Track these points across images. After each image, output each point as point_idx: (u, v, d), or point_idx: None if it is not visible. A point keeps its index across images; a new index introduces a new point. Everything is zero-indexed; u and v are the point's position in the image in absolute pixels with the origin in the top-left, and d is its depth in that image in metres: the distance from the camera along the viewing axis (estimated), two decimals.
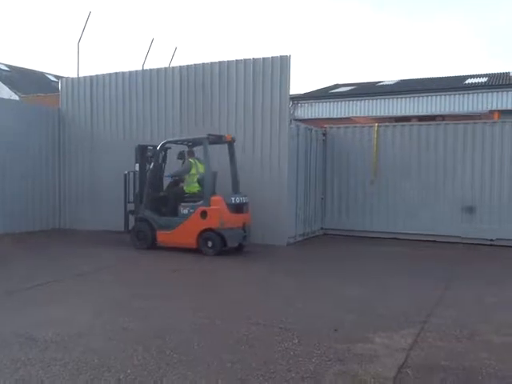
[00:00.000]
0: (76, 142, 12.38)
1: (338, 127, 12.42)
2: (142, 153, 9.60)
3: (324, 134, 12.07)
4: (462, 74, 27.10)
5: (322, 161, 11.93)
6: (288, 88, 9.88)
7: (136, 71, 11.77)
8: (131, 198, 9.73)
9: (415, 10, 77.29)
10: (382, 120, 16.83)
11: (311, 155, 11.29)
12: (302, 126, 11.27)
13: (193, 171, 9.20)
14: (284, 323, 4.77)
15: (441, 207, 10.86)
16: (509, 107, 20.12)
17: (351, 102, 23.19)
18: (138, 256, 8.70)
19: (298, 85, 58.18)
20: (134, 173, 9.64)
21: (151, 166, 9.36)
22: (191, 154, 9.46)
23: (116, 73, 11.90)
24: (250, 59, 10.25)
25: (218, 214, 8.55)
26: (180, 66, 11.13)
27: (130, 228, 9.65)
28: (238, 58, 10.40)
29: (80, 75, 15.07)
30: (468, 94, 21.36)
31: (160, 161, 9.54)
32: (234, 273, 7.48)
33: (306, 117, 22.70)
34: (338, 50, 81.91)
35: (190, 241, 8.73)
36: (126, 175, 9.81)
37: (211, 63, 10.68)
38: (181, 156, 9.43)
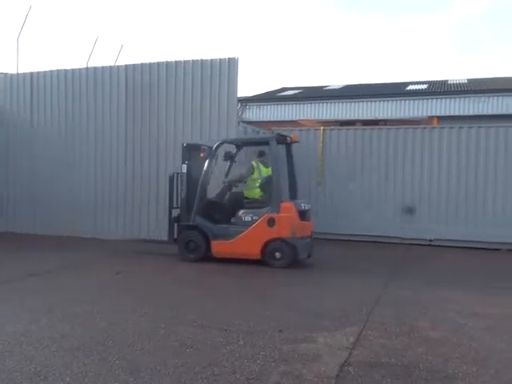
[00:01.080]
0: (14, 141, 11.85)
1: (284, 130, 12.55)
2: (191, 153, 8.59)
3: None
4: (403, 81, 28.11)
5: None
6: (236, 90, 9.91)
7: (80, 69, 11.42)
8: (178, 202, 8.65)
9: (362, 17, 79.55)
10: (327, 123, 17.16)
11: None
12: (250, 127, 11.33)
13: (255, 175, 8.39)
14: (229, 325, 4.76)
15: (383, 209, 11.20)
16: (447, 113, 21.06)
17: (298, 105, 23.53)
18: (80, 259, 8.44)
19: (247, 87, 58.56)
20: (181, 175, 8.54)
21: (205, 168, 8.33)
22: (260, 155, 8.66)
23: (58, 70, 11.50)
24: (197, 60, 10.19)
25: (289, 221, 7.73)
26: (126, 65, 10.91)
27: (175, 237, 8.60)
28: (186, 59, 10.33)
29: (20, 71, 14.46)
30: (409, 99, 22.17)
31: (214, 163, 8.57)
32: (171, 274, 7.38)
33: (253, 119, 22.81)
34: (286, 53, 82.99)
35: (254, 251, 7.85)
36: (171, 177, 8.76)
37: (158, 63, 10.54)
38: (227, 157, 8.53)
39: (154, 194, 10.54)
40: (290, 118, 22.51)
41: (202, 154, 8.51)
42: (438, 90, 23.33)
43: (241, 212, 8.11)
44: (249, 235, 7.87)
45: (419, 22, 78.48)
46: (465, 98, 21.46)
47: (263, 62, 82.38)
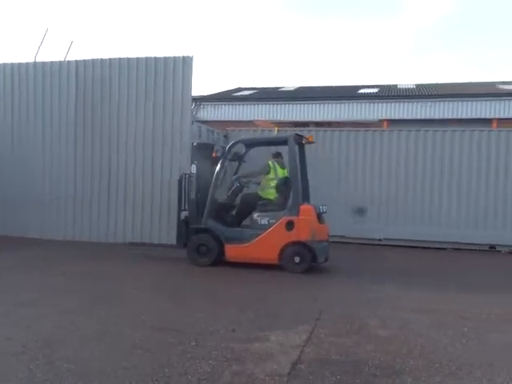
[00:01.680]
0: None
1: (240, 130, 12.57)
2: (201, 152, 8.20)
3: (226, 137, 12.15)
4: (355, 84, 28.76)
5: None
6: (190, 88, 9.82)
7: (27, 63, 10.98)
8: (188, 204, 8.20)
9: (317, 20, 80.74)
10: (282, 124, 17.31)
11: None
12: (205, 127, 11.26)
13: (271, 175, 8.01)
14: (181, 326, 4.72)
15: (335, 209, 11.38)
16: (397, 117, 21.69)
17: (253, 106, 23.61)
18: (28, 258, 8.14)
19: (202, 86, 58.20)
20: (190, 175, 8.18)
21: (217, 169, 7.97)
22: (276, 155, 8.30)
23: (4, 64, 11.02)
24: (151, 57, 10.03)
25: (309, 225, 7.50)
26: (76, 61, 10.58)
27: (186, 241, 8.14)
28: (139, 56, 10.14)
29: None
30: (361, 103, 22.69)
31: (228, 163, 8.25)
32: (125, 277, 7.23)
33: (208, 118, 22.70)
34: (242, 53, 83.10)
35: (271, 256, 7.56)
36: (180, 178, 8.36)
37: (110, 59, 10.29)
38: (236, 157, 8.22)
39: (106, 192, 10.28)
40: (245, 118, 22.55)
41: (214, 154, 8.11)
42: (389, 94, 24.02)
43: (256, 214, 7.84)
44: (265, 239, 7.58)
45: (372, 27, 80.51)
46: (413, 102, 22.19)
47: (219, 61, 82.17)
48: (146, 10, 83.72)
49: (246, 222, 8.12)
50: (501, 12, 74.72)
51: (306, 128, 13.42)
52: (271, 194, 7.99)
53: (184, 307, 5.47)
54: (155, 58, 9.99)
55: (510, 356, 4.18)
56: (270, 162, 8.10)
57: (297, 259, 7.53)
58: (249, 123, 19.88)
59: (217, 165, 8.04)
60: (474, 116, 21.12)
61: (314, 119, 21.17)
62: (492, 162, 10.82)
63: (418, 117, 21.52)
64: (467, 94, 22.31)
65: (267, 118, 22.27)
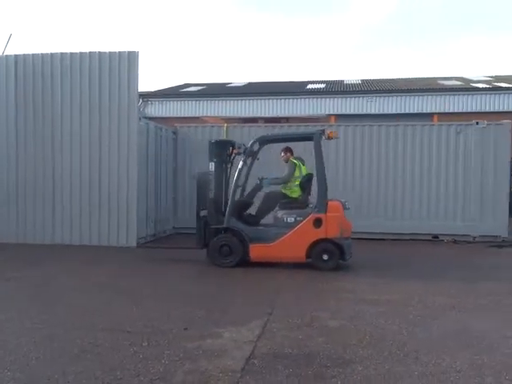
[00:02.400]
0: None
1: (189, 126, 12.49)
2: (220, 150, 7.97)
3: (174, 133, 12.03)
4: (303, 80, 29.11)
5: (172, 160, 11.88)
6: (136, 84, 9.64)
7: None
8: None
9: (266, 16, 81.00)
10: (230, 120, 17.30)
11: (162, 154, 11.17)
12: (152, 123, 11.09)
13: (297, 173, 7.86)
14: (133, 326, 4.64)
15: None
16: (343, 112, 22.16)
17: (201, 102, 23.45)
18: None
19: (149, 82, 57.29)
20: (209, 174, 7.89)
21: (240, 167, 7.78)
22: (292, 152, 8.16)
23: None
24: (95, 52, 9.76)
25: (338, 221, 7.43)
26: (15, 55, 10.14)
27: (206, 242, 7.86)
28: (83, 51, 9.84)
29: None
30: (309, 98, 23.01)
31: (251, 160, 7.99)
32: (75, 279, 7.03)
33: (156, 115, 22.38)
34: (190, 49, 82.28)
35: (299, 254, 7.44)
36: (198, 177, 8.10)
37: (52, 54, 9.94)
38: (249, 153, 7.81)
39: (51, 194, 9.92)
40: (193, 115, 22.39)
41: (236, 150, 7.96)
42: (335, 89, 24.48)
43: (281, 213, 7.70)
44: (292, 237, 7.44)
45: (319, 24, 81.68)
46: (359, 97, 22.74)
47: (166, 56, 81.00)
48: (91, 4, 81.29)
49: (267, 220, 7.97)
50: (442, 11, 77.73)
51: (256, 124, 13.46)
52: (296, 191, 7.87)
53: (135, 307, 5.37)
54: (99, 53, 9.73)
55: (454, 341, 4.37)
56: (294, 161, 7.95)
57: (325, 257, 7.45)
58: (197, 119, 19.77)
59: (229, 162, 7.99)
60: (416, 111, 21.91)
61: (262, 115, 21.30)
62: (433, 155, 11.26)
63: (364, 112, 22.08)
64: (410, 89, 23.10)
65: (216, 114, 22.20)
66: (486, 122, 11.25)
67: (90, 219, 9.73)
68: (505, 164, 11.18)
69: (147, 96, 23.55)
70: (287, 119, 19.39)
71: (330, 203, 7.53)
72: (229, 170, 8.18)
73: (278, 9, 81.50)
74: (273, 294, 6.00)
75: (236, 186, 7.74)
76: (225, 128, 11.96)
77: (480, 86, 23.79)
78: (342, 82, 27.43)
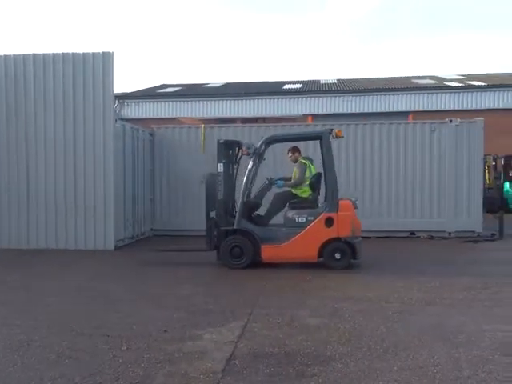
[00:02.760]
0: None
1: (166, 127, 12.41)
2: (228, 150, 7.88)
3: (151, 134, 11.93)
4: (280, 80, 29.21)
5: (150, 161, 11.78)
6: (111, 85, 9.51)
7: None
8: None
9: (241, 16, 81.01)
10: (208, 121, 17.25)
11: (138, 155, 11.07)
12: (129, 125, 10.97)
13: (307, 174, 7.81)
14: (111, 330, 4.58)
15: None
16: (320, 111, 22.32)
17: (178, 103, 23.33)
18: None
19: (125, 83, 56.70)
20: (218, 175, 7.73)
21: (249, 167, 7.68)
22: (299, 152, 8.14)
23: None
24: (68, 53, 9.60)
25: (349, 220, 7.45)
26: None
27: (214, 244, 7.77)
28: (56, 52, 9.68)
29: None
30: (285, 98, 23.10)
31: (260, 161, 7.85)
32: (52, 283, 6.91)
33: (132, 116, 22.19)
34: (166, 49, 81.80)
35: (311, 254, 7.42)
36: (207, 178, 7.99)
37: (24, 55, 9.74)
38: (250, 152, 7.65)
39: (25, 197, 9.72)
40: (170, 116, 22.27)
41: (246, 151, 7.80)
42: (312, 89, 24.62)
43: (292, 213, 7.67)
44: (304, 237, 7.41)
45: (295, 23, 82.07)
46: (335, 97, 22.92)
47: (143, 57, 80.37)
48: (66, 5, 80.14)
49: (278, 220, 7.93)
50: (413, 12, 78.90)
51: (233, 124, 13.44)
52: (306, 191, 7.83)
53: (114, 311, 5.31)
54: (73, 54, 9.58)
55: (431, 336, 4.44)
56: (304, 161, 7.92)
57: (338, 256, 7.45)
58: (174, 120, 19.66)
59: (236, 163, 7.92)
60: (392, 109, 22.21)
61: (239, 115, 21.31)
62: (409, 153, 11.41)
63: (340, 111, 22.28)
64: (386, 88, 23.41)
65: (193, 115, 22.11)
66: (459, 119, 11.44)
67: (66, 223, 9.57)
68: (478, 161, 11.39)
69: (123, 97, 23.33)
70: (264, 119, 19.42)
71: (341, 202, 7.54)
72: (236, 171, 8.14)
73: (252, 8, 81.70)
74: (255, 294, 6.00)
75: (246, 186, 7.69)
76: (202, 129, 11.92)
77: (453, 84, 24.23)
78: (318, 81, 27.61)
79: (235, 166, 8.12)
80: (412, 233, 11.29)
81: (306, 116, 21.83)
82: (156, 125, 12.65)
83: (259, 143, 7.80)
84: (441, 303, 5.60)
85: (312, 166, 7.97)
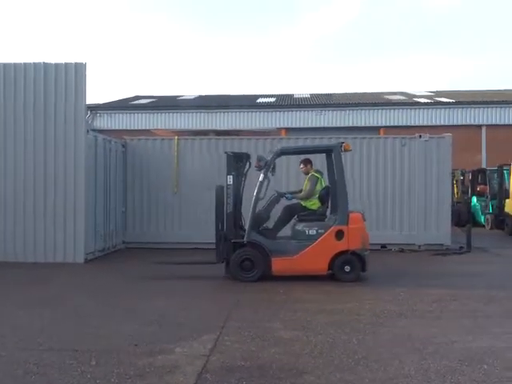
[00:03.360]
0: None
1: (139, 139, 12.32)
2: (237, 163, 7.86)
3: (124, 146, 11.83)
4: (254, 94, 29.42)
5: (122, 173, 11.66)
6: (84, 96, 9.40)
7: None
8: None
9: (217, 30, 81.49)
10: (181, 133, 17.20)
11: (111, 167, 10.93)
12: (101, 136, 10.85)
13: (318, 187, 7.84)
14: (80, 345, 4.49)
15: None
16: (293, 125, 22.55)
17: (152, 115, 23.23)
18: None
19: (98, 94, 56.12)
20: (227, 187, 7.67)
21: (260, 180, 7.62)
22: (312, 164, 8.19)
23: None
24: (40, 63, 9.46)
25: (360, 233, 7.51)
26: None
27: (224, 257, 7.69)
28: (27, 62, 9.53)
29: None
30: (259, 111, 23.26)
31: (272, 173, 7.73)
32: (20, 297, 6.72)
33: (105, 127, 21.99)
34: (140, 61, 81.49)
35: (321, 266, 7.43)
36: (218, 189, 7.81)
37: None
38: (261, 164, 7.60)
39: None
40: (143, 127, 22.15)
41: (257, 164, 7.73)
42: (285, 103, 24.87)
43: (302, 225, 7.68)
44: (315, 249, 7.42)
45: (270, 38, 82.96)
46: (308, 111, 23.20)
47: (116, 69, 79.88)
48: (38, 15, 79.18)
49: (288, 233, 7.96)
50: (386, 32, 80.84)
51: (207, 137, 13.44)
52: (315, 204, 7.86)
53: (84, 325, 5.20)
54: (45, 64, 9.44)
55: (402, 347, 4.50)
56: (316, 174, 7.98)
57: (347, 268, 7.47)
58: (147, 132, 19.55)
59: (244, 175, 7.97)
60: (364, 124, 22.61)
61: (213, 128, 21.32)
62: (380, 167, 11.61)
63: (313, 125, 22.56)
64: (358, 103, 23.83)
65: (166, 127, 22.03)
66: (428, 135, 11.72)
67: (35, 235, 9.34)
68: (447, 175, 11.67)
69: (96, 108, 23.10)
70: (238, 132, 19.49)
71: (351, 215, 7.59)
72: (243, 183, 8.13)
73: (226, 22, 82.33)
74: (228, 307, 5.96)
75: (257, 199, 7.64)
76: (175, 141, 11.89)
77: (422, 100, 24.84)
78: (291, 95, 27.92)
79: (243, 179, 8.11)
80: (383, 246, 11.44)
81: (279, 129, 22.01)
82: (129, 136, 12.56)
83: (271, 156, 7.78)
84: (411, 315, 5.68)
85: (323, 180, 8.04)
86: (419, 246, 11.36)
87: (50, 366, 3.97)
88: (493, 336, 4.84)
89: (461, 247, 11.34)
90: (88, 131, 9.94)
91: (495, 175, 16.86)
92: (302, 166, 8.29)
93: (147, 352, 4.31)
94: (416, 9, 77.51)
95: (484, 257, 10.63)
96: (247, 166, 8.15)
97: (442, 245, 11.32)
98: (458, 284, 7.58)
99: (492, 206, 16.65)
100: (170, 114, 23.05)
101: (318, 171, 8.14)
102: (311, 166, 8.26)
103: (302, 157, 8.63)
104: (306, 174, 8.21)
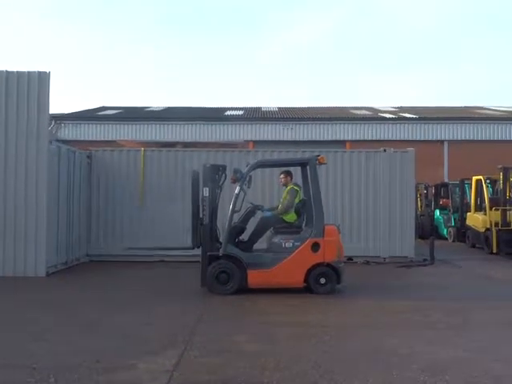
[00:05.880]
0: None
1: (105, 150, 12.12)
2: (214, 175, 7.77)
3: (89, 157, 11.61)
4: (222, 106, 29.47)
5: (87, 185, 11.41)
6: (47, 106, 9.20)
7: None
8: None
9: (183, 40, 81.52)
10: (148, 145, 17.03)
11: (74, 179, 10.69)
12: (64, 147, 10.61)
13: (296, 200, 7.81)
14: (39, 361, 4.32)
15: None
16: (261, 138, 22.66)
17: (118, 125, 22.95)
18: None
19: (63, 104, 55.10)
20: (203, 199, 7.61)
21: (236, 192, 7.56)
22: (292, 177, 8.19)
23: None
24: (2, 71, 9.21)
25: (335, 245, 7.52)
26: None
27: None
28: None
29: None
30: (227, 124, 23.29)
31: (247, 185, 7.70)
32: None
33: (70, 138, 21.57)
34: (107, 72, 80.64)
35: (297, 279, 7.38)
36: (194, 175, 7.87)
37: None
38: (237, 177, 7.61)
39: None
40: (109, 138, 21.82)
41: (233, 178, 7.71)
42: (253, 116, 25.01)
43: (278, 238, 7.65)
44: (291, 262, 7.38)
45: (239, 49, 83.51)
46: (276, 124, 23.38)
47: (82, 79, 78.77)
48: (4, 23, 77.48)
49: (264, 245, 7.93)
50: (351, 43, 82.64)
51: (174, 148, 13.33)
52: (292, 216, 7.84)
53: (43, 341, 5.02)
54: (7, 72, 9.20)
55: (366, 359, 4.52)
56: (294, 187, 7.97)
57: (322, 280, 7.47)
58: (113, 143, 19.26)
59: (219, 187, 7.90)
60: (330, 138, 22.91)
61: (181, 139, 21.17)
62: (346, 180, 11.76)
63: (281, 138, 22.73)
64: (324, 117, 24.17)
65: (133, 138, 21.78)
66: (392, 149, 11.96)
67: None
68: (410, 189, 11.91)
69: (60, 118, 22.66)
70: (205, 144, 19.44)
71: (326, 227, 7.63)
72: (218, 195, 8.03)
73: (196, 34, 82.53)
74: (194, 321, 5.87)
75: (233, 211, 7.61)
76: (142, 152, 11.75)
77: (387, 115, 25.41)
78: (259, 109, 28.10)
79: (218, 191, 8.03)
80: (349, 258, 11.52)
81: (247, 142, 22.07)
82: (94, 147, 12.34)
83: (246, 169, 7.79)
84: (375, 327, 5.73)
85: (301, 193, 8.04)
86: (384, 259, 11.52)
87: None
88: (455, 347, 4.93)
89: (424, 259, 11.55)
90: (51, 141, 9.71)
91: (457, 189, 17.31)
92: (282, 176, 8.26)
93: (109, 368, 4.20)
94: (381, 28, 79.64)
95: (446, 268, 10.86)
96: (223, 178, 8.12)
97: (406, 257, 11.51)
98: (422, 296, 7.71)
99: (454, 219, 17.08)
100: (137, 126, 22.82)
101: (296, 184, 8.16)
102: (291, 178, 8.27)
103: (276, 170, 8.64)
104: (285, 185, 8.22)
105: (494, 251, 12.89)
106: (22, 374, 4.02)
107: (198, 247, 7.77)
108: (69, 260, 10.36)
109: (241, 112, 26.34)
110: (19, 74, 9.19)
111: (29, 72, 9.18)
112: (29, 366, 4.23)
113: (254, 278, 7.44)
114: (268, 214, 8.11)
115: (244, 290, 7.45)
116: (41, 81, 9.15)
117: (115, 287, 8.18)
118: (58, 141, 12.70)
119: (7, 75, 9.20)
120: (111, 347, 4.81)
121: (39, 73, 9.17)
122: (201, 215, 7.71)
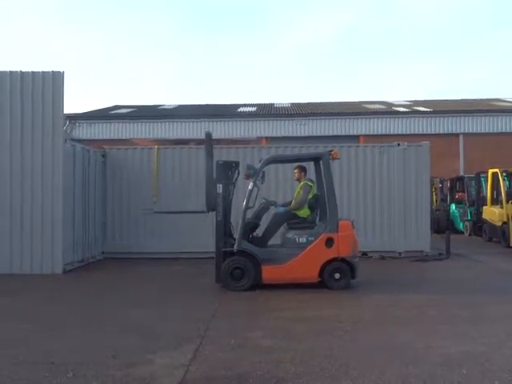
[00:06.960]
0: None
1: (119, 148, 12.22)
2: (227, 171, 7.83)
3: (103, 156, 11.71)
4: (235, 103, 29.48)
5: (101, 183, 11.52)
6: (62, 106, 9.29)
7: None
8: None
9: (197, 38, 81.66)
10: (161, 142, 17.12)
11: (90, 177, 10.80)
12: (79, 146, 10.72)
13: (310, 196, 7.81)
14: (57, 357, 4.39)
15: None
16: (274, 134, 22.62)
17: (131, 124, 23.08)
18: None
19: (77, 103, 55.60)
20: (216, 196, 7.63)
21: (250, 188, 7.56)
22: (306, 172, 8.15)
23: None
24: (16, 72, 9.32)
25: (350, 240, 7.51)
26: None
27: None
28: (2, 70, 9.40)
29: None
30: (240, 121, 23.27)
31: (260, 181, 7.74)
32: None
33: (84, 137, 21.77)
34: (120, 71, 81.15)
35: (312, 274, 7.39)
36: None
37: None
38: (250, 173, 7.61)
39: None
40: (123, 137, 22.00)
41: (246, 174, 7.73)
42: (266, 112, 24.96)
43: (292, 233, 7.64)
44: (305, 257, 7.38)
45: (250, 47, 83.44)
46: (289, 120, 23.31)
47: (96, 78, 79.39)
48: (14, 23, 78.43)
49: (278, 241, 7.91)
50: (366, 40, 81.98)
51: (187, 146, 13.39)
52: (306, 212, 7.83)
53: (61, 337, 5.10)
54: (21, 73, 9.31)
55: (382, 354, 4.51)
56: (308, 182, 7.95)
57: (337, 276, 7.45)
58: (127, 142, 19.42)
59: (233, 183, 7.93)
60: (343, 133, 22.77)
61: (194, 137, 21.27)
62: (360, 175, 11.69)
63: (294, 134, 22.66)
64: (338, 112, 24.01)
65: (146, 137, 21.93)
66: (406, 143, 11.86)
67: (11, 245, 9.14)
68: (425, 183, 11.81)
69: (75, 118, 22.88)
70: (218, 141, 19.49)
71: (340, 222, 7.61)
72: (232, 191, 8.07)
73: (208, 32, 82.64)
74: (208, 317, 5.90)
75: (246, 207, 7.61)
76: (155, 150, 11.82)
77: (401, 109, 25.19)
78: (272, 105, 28.05)
79: (231, 187, 8.05)
80: (364, 253, 11.46)
81: (260, 138, 22.07)
82: (108, 146, 12.44)
83: (259, 165, 7.81)
84: (391, 321, 5.70)
85: (314, 188, 8.02)
86: (399, 253, 11.44)
87: (24, 380, 3.87)
88: (471, 341, 4.89)
89: (440, 254, 11.45)
90: (66, 140, 9.82)
91: (473, 183, 17.12)
92: (296, 171, 8.23)
93: (126, 363, 4.24)
94: (394, 20, 78.91)
95: (463, 263, 10.75)
96: (236, 175, 8.13)
97: (421, 251, 11.42)
98: (437, 290, 7.64)
99: (470, 213, 16.89)
100: (150, 124, 22.94)
101: (310, 180, 8.12)
102: (305, 174, 8.22)
103: (290, 165, 8.59)
104: (298, 180, 8.21)
105: (511, 245, 12.74)
106: (41, 370, 4.09)
107: (213, 211, 7.75)
108: (85, 257, 10.47)
109: (253, 108, 26.31)
110: (34, 75, 9.29)
111: (43, 72, 9.28)
112: (47, 361, 4.30)
113: (269, 273, 7.43)
114: (281, 209, 8.07)
115: (258, 285, 7.47)
116: (55, 81, 9.24)
117: (130, 284, 8.25)
118: (72, 140, 12.83)
119: (22, 76, 9.31)
120: (127, 343, 4.86)
121: (53, 73, 9.26)
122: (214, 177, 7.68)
